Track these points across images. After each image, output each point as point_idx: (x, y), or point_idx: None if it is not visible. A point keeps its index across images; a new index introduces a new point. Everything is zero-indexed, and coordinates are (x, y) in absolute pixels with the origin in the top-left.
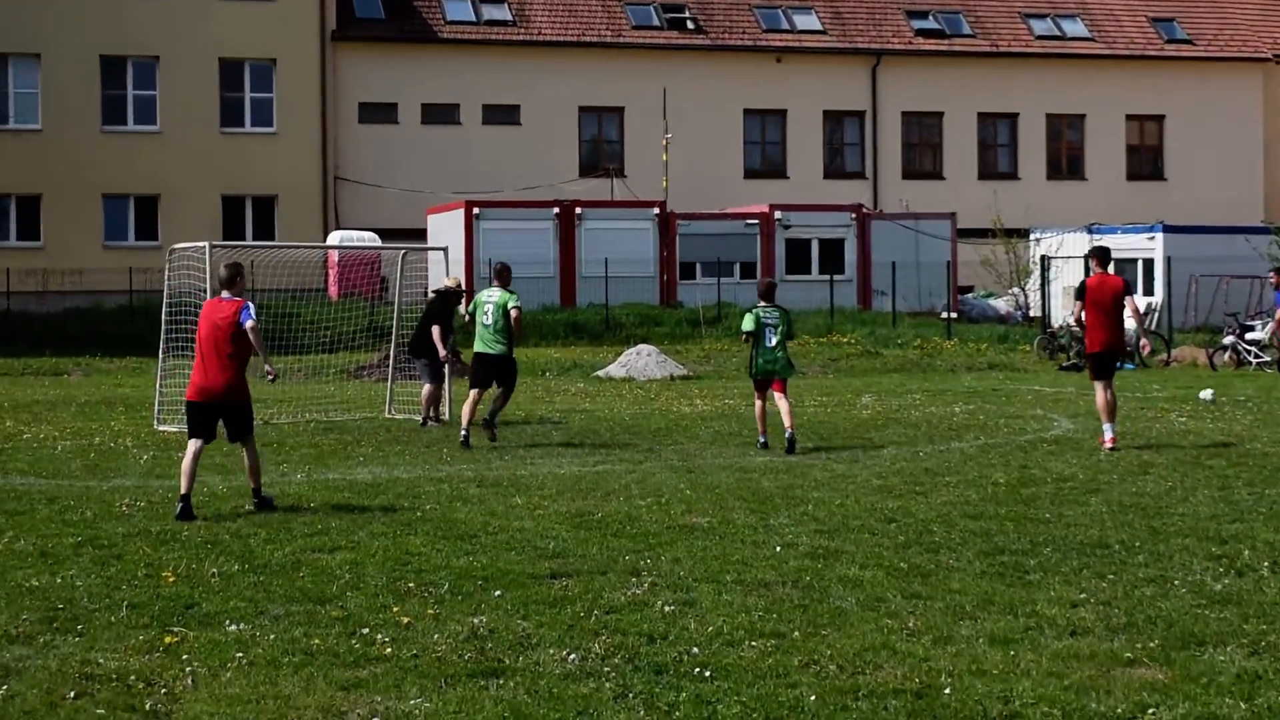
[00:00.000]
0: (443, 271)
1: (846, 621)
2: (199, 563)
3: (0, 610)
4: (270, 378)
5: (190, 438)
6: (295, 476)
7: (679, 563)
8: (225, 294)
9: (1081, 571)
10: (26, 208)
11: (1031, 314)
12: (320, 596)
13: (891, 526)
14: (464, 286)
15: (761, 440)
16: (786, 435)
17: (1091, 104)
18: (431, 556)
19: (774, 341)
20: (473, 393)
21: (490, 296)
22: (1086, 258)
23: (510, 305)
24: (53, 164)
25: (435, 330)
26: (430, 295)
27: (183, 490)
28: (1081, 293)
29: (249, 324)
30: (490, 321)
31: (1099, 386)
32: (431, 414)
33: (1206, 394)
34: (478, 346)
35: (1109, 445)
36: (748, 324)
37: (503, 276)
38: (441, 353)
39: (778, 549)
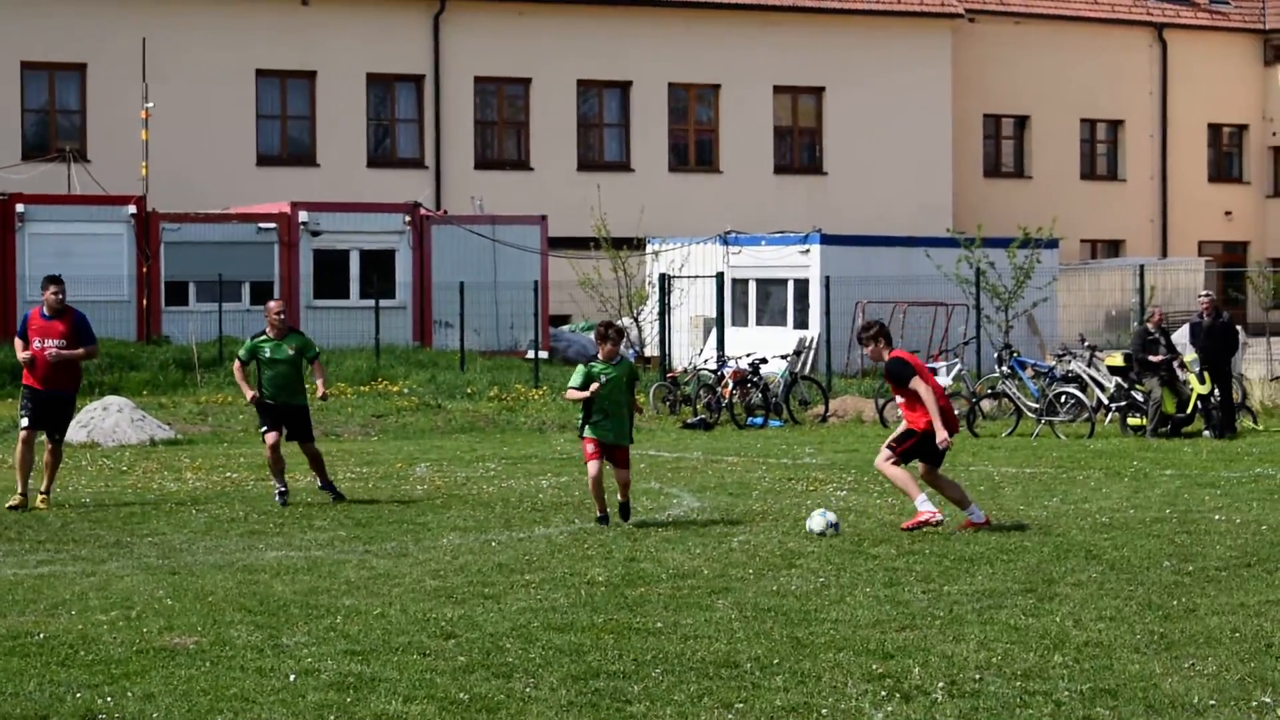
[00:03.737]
0: None
1: None
2: None
3: None
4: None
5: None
6: None
7: (152, 700)
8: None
9: (702, 699)
10: None
11: (647, 353)
12: None
13: (450, 644)
14: None
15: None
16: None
17: (731, 71)
18: None
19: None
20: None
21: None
22: None
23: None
24: None
25: None
26: None
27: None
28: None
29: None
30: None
31: None
32: None
33: (817, 521)
34: None
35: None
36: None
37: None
38: None
39: (291, 678)
